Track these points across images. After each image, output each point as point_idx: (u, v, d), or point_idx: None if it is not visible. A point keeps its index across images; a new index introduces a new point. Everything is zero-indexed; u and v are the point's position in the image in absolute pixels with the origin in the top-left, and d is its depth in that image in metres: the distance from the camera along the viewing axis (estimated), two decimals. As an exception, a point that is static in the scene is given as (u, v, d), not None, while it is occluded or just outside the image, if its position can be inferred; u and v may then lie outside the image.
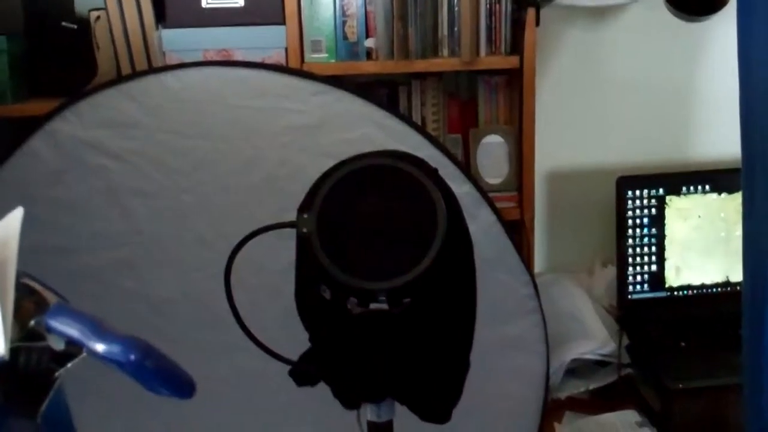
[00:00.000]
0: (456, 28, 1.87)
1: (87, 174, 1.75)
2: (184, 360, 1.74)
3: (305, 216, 1.17)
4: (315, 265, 1.16)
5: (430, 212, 1.15)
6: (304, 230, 1.16)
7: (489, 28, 1.88)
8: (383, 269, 1.14)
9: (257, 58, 1.81)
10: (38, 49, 1.89)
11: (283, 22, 1.85)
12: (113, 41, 1.85)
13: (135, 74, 1.80)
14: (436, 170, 1.22)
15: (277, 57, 1.85)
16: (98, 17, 1.86)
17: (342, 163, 1.20)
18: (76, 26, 1.87)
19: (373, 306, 1.18)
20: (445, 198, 1.17)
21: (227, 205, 1.74)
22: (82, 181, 1.76)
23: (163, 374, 0.82)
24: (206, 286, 1.62)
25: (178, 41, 1.86)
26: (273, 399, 1.67)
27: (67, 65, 1.87)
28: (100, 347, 0.80)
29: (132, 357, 0.80)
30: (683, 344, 1.90)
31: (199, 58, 1.84)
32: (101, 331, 0.80)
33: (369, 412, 1.30)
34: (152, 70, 1.80)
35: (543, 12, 1.87)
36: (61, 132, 1.75)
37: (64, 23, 1.88)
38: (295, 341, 1.31)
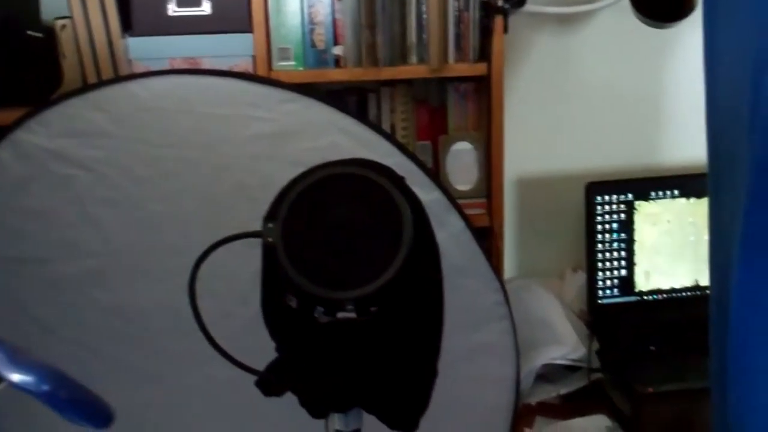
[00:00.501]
0: (424, 36, 1.88)
1: (54, 184, 1.74)
2: (159, 369, 1.75)
3: (270, 225, 1.16)
4: (281, 274, 1.16)
5: (396, 221, 1.14)
6: (270, 239, 1.16)
7: (457, 36, 1.88)
8: (350, 278, 1.14)
9: (225, 66, 1.81)
10: (3, 57, 1.87)
11: (250, 30, 1.84)
12: (79, 50, 1.84)
13: (101, 83, 1.78)
14: (402, 178, 1.22)
15: (244, 65, 1.84)
16: (64, 26, 1.84)
17: (308, 172, 1.20)
18: (41, 35, 1.86)
19: (340, 315, 1.17)
20: (411, 206, 1.17)
21: (197, 214, 1.73)
22: (50, 190, 1.74)
23: (77, 405, 0.81)
24: (178, 296, 1.60)
25: (145, 49, 1.85)
26: (248, 408, 1.66)
27: (32, 74, 1.86)
28: (13, 376, 0.79)
29: (44, 387, 0.80)
30: (653, 348, 1.91)
31: (166, 66, 1.83)
32: (15, 360, 0.80)
33: (337, 422, 1.30)
34: (118, 78, 1.79)
35: (511, 19, 1.87)
36: (26, 142, 1.73)
37: (29, 32, 1.86)
38: (266, 350, 1.30)
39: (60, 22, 1.85)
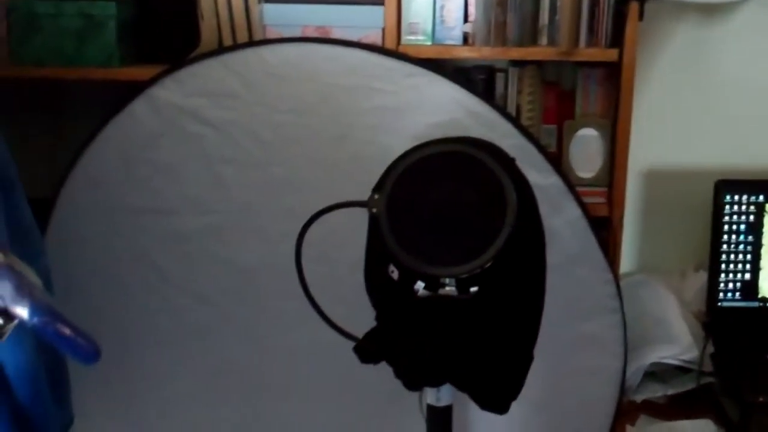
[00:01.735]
0: (557, 17, 1.84)
1: (183, 140, 1.81)
2: (264, 325, 1.80)
3: (376, 197, 1.18)
4: (383, 245, 1.17)
5: (500, 203, 1.14)
6: (374, 210, 1.17)
7: (590, 19, 1.83)
8: (450, 256, 1.14)
9: (354, 37, 1.82)
10: (145, 16, 1.95)
11: (381, 3, 1.85)
12: (217, 12, 1.89)
13: (235, 46, 1.83)
14: (512, 160, 1.21)
15: (373, 37, 1.85)
16: (204, -12, 1.90)
17: (417, 147, 1.21)
18: (183, -5, 1.92)
19: (440, 291, 1.18)
20: (519, 190, 1.16)
21: (314, 180, 1.77)
22: (178, 146, 1.81)
23: (65, 340, 0.86)
24: (289, 257, 1.65)
25: (279, 16, 1.88)
26: (347, 370, 1.69)
27: (172, 33, 1.93)
28: (12, 308, 0.85)
29: (35, 320, 0.85)
30: (769, 357, 1.84)
31: (298, 33, 1.86)
32: (20, 294, 0.85)
33: (429, 396, 1.31)
34: (252, 43, 1.84)
35: (649, 6, 1.82)
36: (161, 98, 1.81)
37: (171, -8, 1.93)
38: (371, 317, 1.32)
39: (200, -16, 1.91)
